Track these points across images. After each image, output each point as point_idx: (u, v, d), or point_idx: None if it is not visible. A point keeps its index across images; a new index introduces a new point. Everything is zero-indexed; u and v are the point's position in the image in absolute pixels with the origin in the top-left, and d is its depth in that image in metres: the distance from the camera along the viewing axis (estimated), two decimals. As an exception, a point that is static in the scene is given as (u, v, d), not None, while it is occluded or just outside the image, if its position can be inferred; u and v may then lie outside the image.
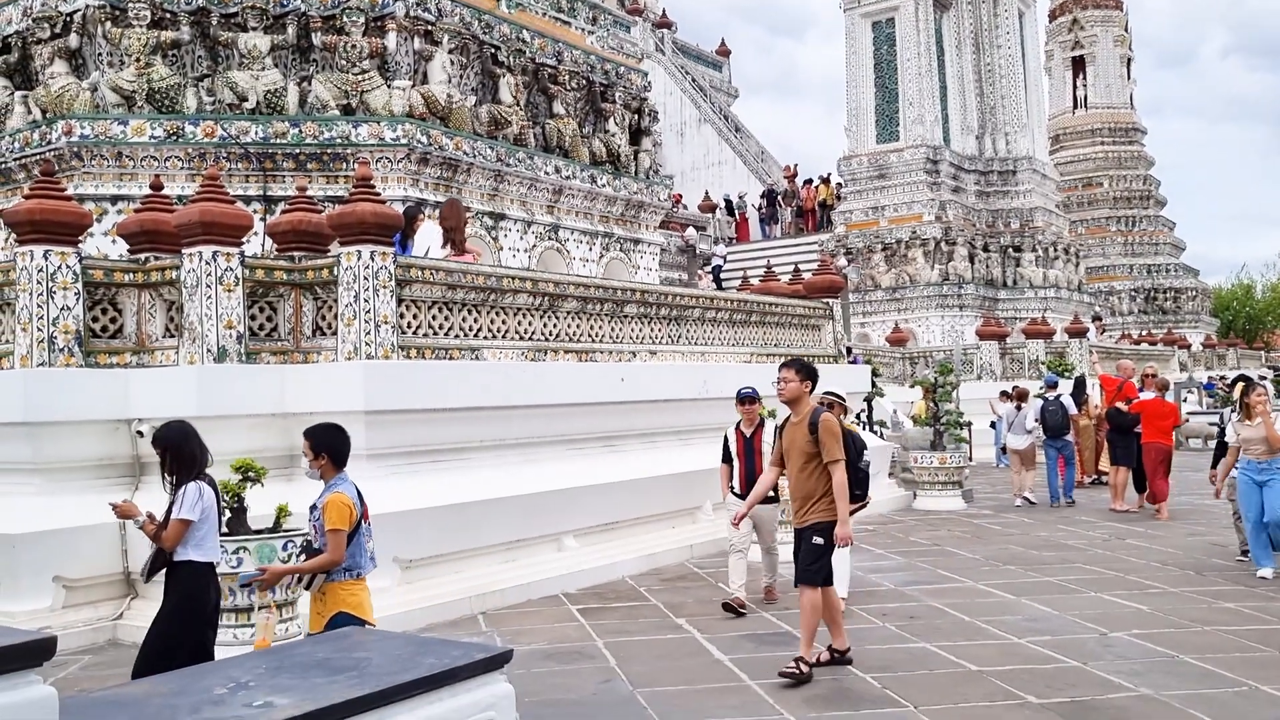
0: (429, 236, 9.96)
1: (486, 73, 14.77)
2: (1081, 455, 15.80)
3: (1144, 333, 35.81)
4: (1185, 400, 24.41)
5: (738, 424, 8.40)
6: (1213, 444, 12.52)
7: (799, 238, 35.07)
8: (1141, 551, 10.33)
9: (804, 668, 6.06)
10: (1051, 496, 14.15)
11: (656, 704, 5.76)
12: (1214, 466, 10.39)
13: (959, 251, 30.93)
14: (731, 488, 8.37)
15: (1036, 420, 14.47)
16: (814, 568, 6.21)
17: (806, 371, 6.38)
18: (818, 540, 6.18)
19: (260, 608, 6.28)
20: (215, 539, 5.40)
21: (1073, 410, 14.97)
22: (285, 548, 6.60)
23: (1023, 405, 14.93)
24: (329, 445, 5.31)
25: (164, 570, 5.34)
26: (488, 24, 14.62)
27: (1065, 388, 15.72)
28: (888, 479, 14.79)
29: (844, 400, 8.14)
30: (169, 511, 5.28)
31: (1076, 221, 41.32)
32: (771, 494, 7.78)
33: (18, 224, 7.99)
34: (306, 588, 5.21)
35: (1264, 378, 27.21)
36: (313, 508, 5.29)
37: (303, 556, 5.28)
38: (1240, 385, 9.51)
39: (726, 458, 8.46)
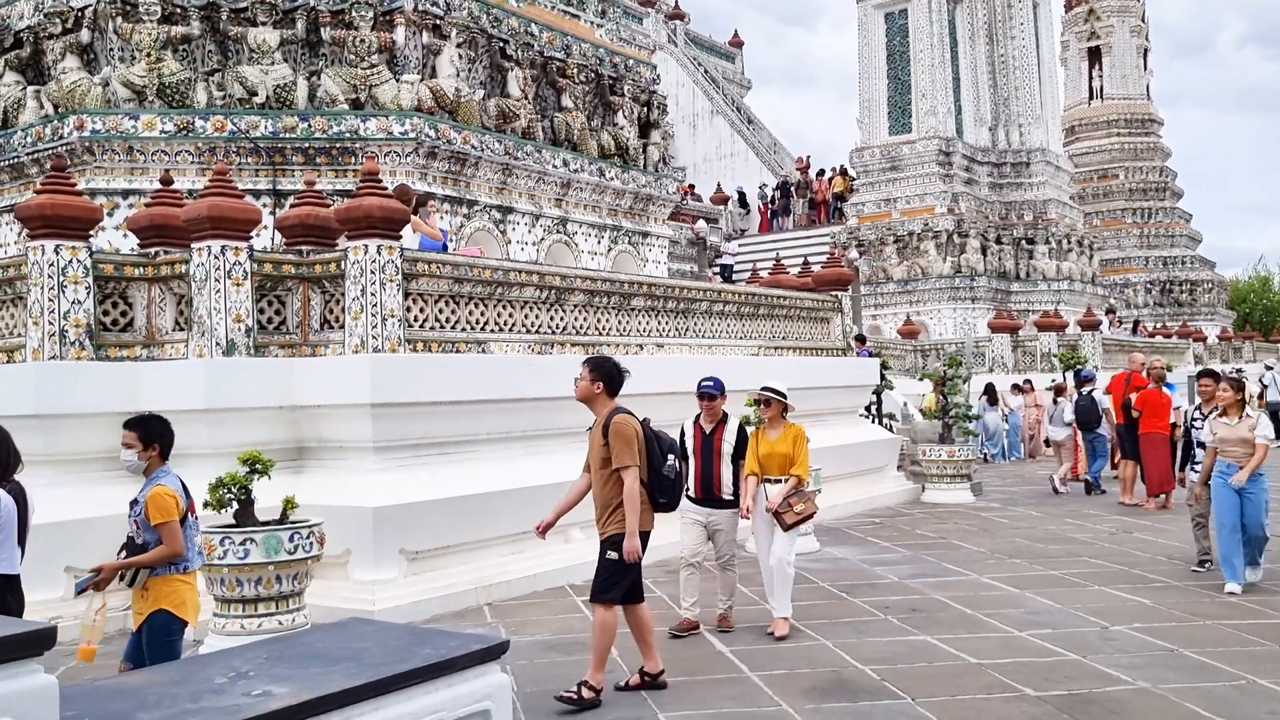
0: None
1: (495, 66, 14.80)
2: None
3: (1159, 325, 35.60)
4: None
5: (697, 417, 7.44)
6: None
7: (810, 230, 35.02)
8: (1147, 545, 10.34)
9: (587, 692, 5.66)
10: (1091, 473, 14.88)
11: (656, 695, 5.82)
12: (1181, 468, 10.19)
13: (971, 244, 30.84)
14: (686, 490, 7.16)
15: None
16: (606, 584, 5.76)
17: (601, 371, 5.88)
18: (612, 555, 5.73)
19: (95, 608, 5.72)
20: (12, 548, 5.05)
21: (1105, 404, 15.18)
22: (292, 539, 6.66)
23: (1060, 398, 15.58)
24: (161, 436, 5.24)
25: None
26: (496, 18, 14.65)
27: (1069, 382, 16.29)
28: (896, 471, 14.82)
29: (784, 397, 7.37)
30: None
31: (1092, 213, 41.12)
32: (731, 498, 7.25)
33: (29, 219, 8.09)
34: (130, 584, 5.08)
35: (1269, 368, 27.03)
36: (134, 503, 5.18)
37: (123, 554, 5.10)
38: (1203, 380, 9.04)
39: (684, 455, 7.27)
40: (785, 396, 7.41)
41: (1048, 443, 17.66)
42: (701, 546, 7.30)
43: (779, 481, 7.23)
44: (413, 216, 10.12)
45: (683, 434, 7.40)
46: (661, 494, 5.89)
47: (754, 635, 7.08)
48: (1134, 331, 32.21)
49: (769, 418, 7.41)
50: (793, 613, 7.29)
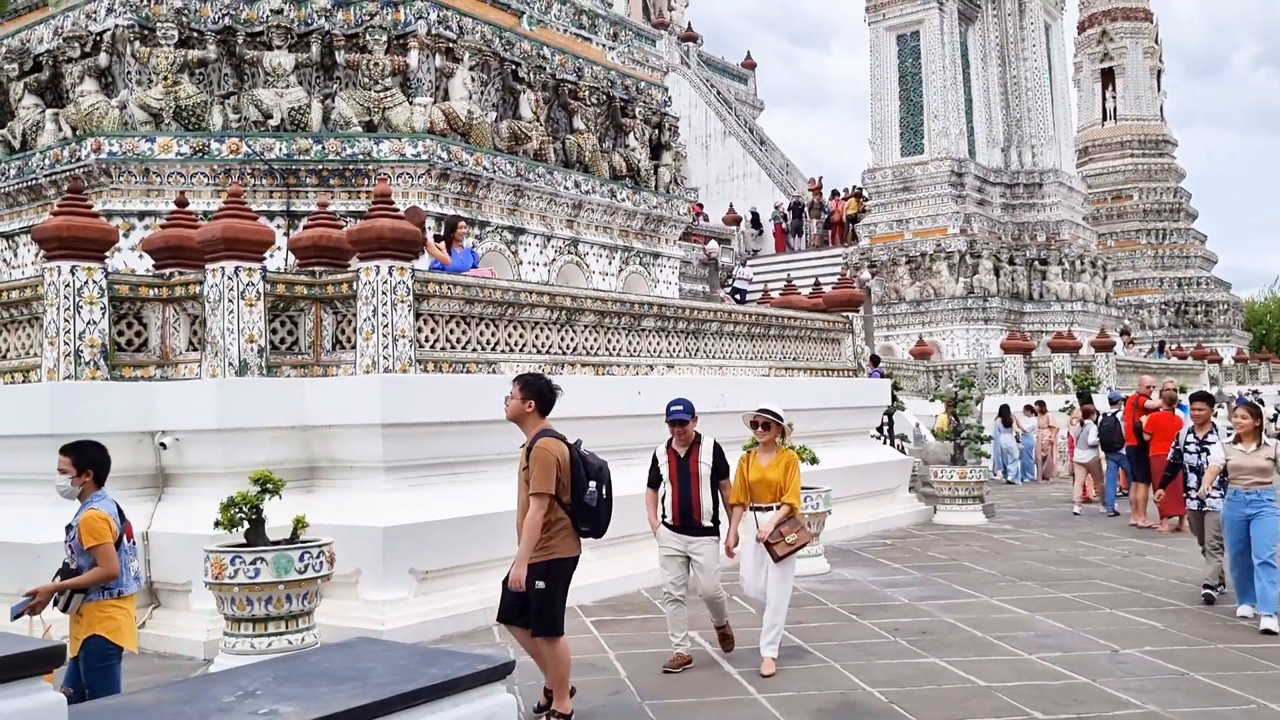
0: None
1: (507, 89, 14.92)
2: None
3: (1174, 346, 35.43)
4: (1216, 415, 24.11)
5: (669, 442, 6.97)
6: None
7: (822, 250, 35.05)
8: (1160, 568, 10.27)
9: None
10: (1107, 503, 14.93)
11: (664, 717, 5.82)
12: (1162, 485, 10.12)
13: (984, 264, 30.79)
14: (663, 518, 6.91)
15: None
16: (546, 617, 5.59)
17: (532, 389, 5.71)
18: (540, 584, 5.52)
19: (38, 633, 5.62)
20: None
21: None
22: (302, 559, 6.70)
23: (1086, 421, 15.67)
24: (95, 462, 5.26)
25: None
26: (508, 41, 14.77)
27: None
28: (907, 493, 14.78)
29: (780, 420, 7.04)
30: None
31: (1106, 234, 41.02)
32: (711, 525, 6.85)
33: (46, 240, 8.19)
34: (64, 610, 5.04)
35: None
36: (68, 528, 5.18)
37: (58, 579, 5.10)
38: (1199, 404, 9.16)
39: (654, 481, 7.01)
40: (782, 419, 7.07)
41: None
42: (684, 578, 6.88)
43: (768, 509, 6.85)
44: (428, 240, 10.23)
45: (655, 461, 7.03)
46: (583, 521, 5.66)
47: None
48: (1160, 353, 32.01)
49: (764, 442, 7.05)
50: (798, 634, 7.28)
